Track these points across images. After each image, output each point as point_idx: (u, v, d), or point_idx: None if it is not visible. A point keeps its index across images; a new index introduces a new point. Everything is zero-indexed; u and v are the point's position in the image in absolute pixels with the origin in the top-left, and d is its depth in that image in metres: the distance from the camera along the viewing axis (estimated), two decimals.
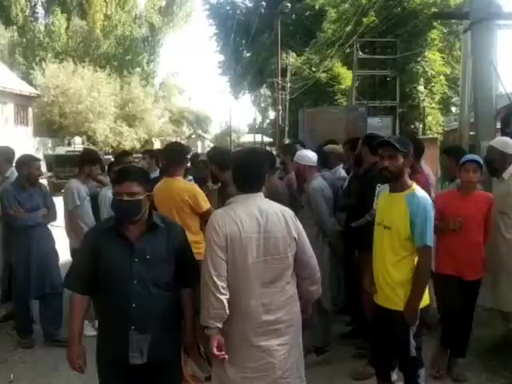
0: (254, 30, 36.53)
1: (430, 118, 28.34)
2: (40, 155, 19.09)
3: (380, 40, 28.02)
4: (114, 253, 3.29)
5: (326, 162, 6.39)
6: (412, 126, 28.76)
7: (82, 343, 3.36)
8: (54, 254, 6.35)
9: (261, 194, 3.45)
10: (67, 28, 44.35)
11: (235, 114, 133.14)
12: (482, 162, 5.00)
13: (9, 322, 6.72)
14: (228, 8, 42.71)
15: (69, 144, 29.24)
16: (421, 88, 28.32)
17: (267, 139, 46.88)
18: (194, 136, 65.37)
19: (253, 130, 60.29)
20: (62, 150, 26.75)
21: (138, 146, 35.58)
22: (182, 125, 59.08)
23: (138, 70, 44.16)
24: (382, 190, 4.21)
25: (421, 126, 28.23)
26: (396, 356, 4.04)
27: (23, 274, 6.06)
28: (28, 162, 6.22)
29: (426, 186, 5.75)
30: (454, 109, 29.99)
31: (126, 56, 45.29)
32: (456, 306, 4.93)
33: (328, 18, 31.58)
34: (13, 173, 7.01)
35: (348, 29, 28.83)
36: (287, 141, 29.27)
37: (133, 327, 3.24)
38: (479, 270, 5.03)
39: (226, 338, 3.29)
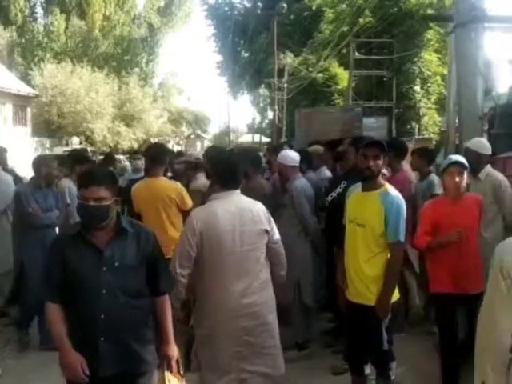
0: (251, 31, 36.64)
1: (426, 118, 28.45)
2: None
3: (376, 40, 28.13)
4: (80, 261, 3.09)
5: (310, 163, 6.53)
6: (408, 127, 28.88)
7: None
8: None
9: (238, 191, 3.90)
10: (66, 28, 44.42)
11: (234, 114, 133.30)
12: (465, 162, 4.54)
13: (1, 319, 6.81)
14: (226, 8, 42.82)
15: (66, 144, 29.39)
16: (417, 88, 28.44)
17: (266, 139, 46.98)
18: (193, 136, 65.48)
19: (252, 129, 60.33)
20: (59, 151, 26.79)
21: (136, 146, 35.66)
22: (181, 125, 59.17)
23: (137, 70, 44.19)
24: (354, 189, 4.34)
25: (417, 126, 28.37)
26: (369, 350, 4.17)
27: (38, 273, 5.96)
28: (47, 162, 6.28)
29: (406, 184, 5.97)
30: None
31: (124, 56, 45.39)
32: (455, 328, 4.46)
33: (325, 18, 31.71)
34: None
35: (345, 29, 28.96)
36: (284, 141, 29.48)
37: (102, 338, 3.07)
38: (482, 283, 4.30)
39: (211, 321, 3.78)
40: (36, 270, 5.90)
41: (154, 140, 43.52)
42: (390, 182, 5.22)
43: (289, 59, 35.34)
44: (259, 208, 3.90)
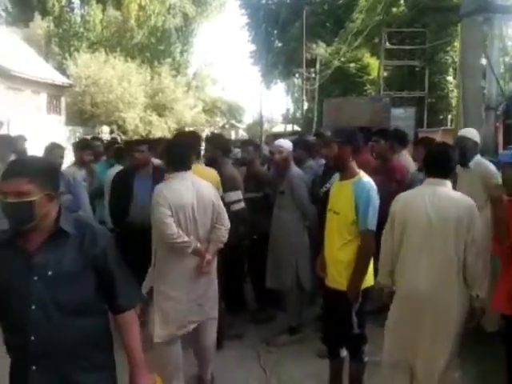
0: (283, 20, 36.67)
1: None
2: (69, 144, 19.61)
3: (408, 30, 27.89)
4: (8, 270, 2.56)
5: (309, 152, 6.69)
6: (441, 117, 28.65)
7: None
8: None
9: (190, 172, 4.66)
10: (102, 19, 44.92)
11: (268, 104, 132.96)
12: None
13: None
14: None
15: (97, 133, 29.82)
16: (450, 78, 28.16)
17: (298, 129, 46.88)
18: (227, 126, 65.67)
19: (286, 119, 60.23)
20: None
21: (168, 135, 35.96)
22: (216, 115, 59.35)
23: (169, 60, 44.53)
24: (335, 179, 4.49)
25: (449, 116, 28.12)
26: (342, 334, 4.30)
27: None
28: (51, 149, 6.55)
29: (403, 172, 6.12)
30: None
31: (158, 46, 45.74)
32: None
33: (359, 7, 31.56)
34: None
35: (377, 18, 28.81)
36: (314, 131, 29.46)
37: (34, 367, 2.52)
38: None
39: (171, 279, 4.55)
40: None
41: (188, 129, 43.97)
42: (382, 170, 5.34)
43: (321, 49, 35.23)
44: (208, 184, 4.78)
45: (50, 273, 2.51)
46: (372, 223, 4.10)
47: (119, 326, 2.76)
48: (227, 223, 4.74)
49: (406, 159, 6.49)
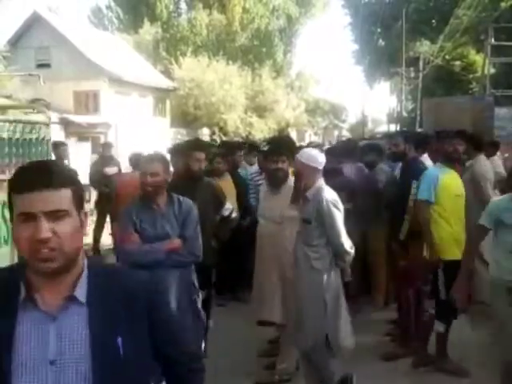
0: (385, 19, 36.15)
1: None
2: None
3: None
4: None
5: (381, 155, 6.67)
6: None
7: None
8: None
9: None
10: (208, 22, 46.02)
11: (372, 104, 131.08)
12: None
13: None
14: None
15: (199, 135, 30.65)
16: None
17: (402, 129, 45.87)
18: (330, 126, 65.43)
19: (391, 119, 59.18)
20: None
21: (267, 136, 36.39)
22: (318, 115, 59.27)
23: (270, 62, 44.95)
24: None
25: None
26: None
27: None
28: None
29: None
30: None
31: (260, 48, 46.35)
32: None
33: (464, 2, 30.60)
34: None
35: (483, 14, 27.90)
36: (419, 130, 28.87)
37: None
38: None
39: None
40: None
41: (291, 130, 44.25)
42: None
43: (425, 47, 34.49)
44: None
45: None
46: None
47: None
48: None
49: (481, 164, 6.31)
